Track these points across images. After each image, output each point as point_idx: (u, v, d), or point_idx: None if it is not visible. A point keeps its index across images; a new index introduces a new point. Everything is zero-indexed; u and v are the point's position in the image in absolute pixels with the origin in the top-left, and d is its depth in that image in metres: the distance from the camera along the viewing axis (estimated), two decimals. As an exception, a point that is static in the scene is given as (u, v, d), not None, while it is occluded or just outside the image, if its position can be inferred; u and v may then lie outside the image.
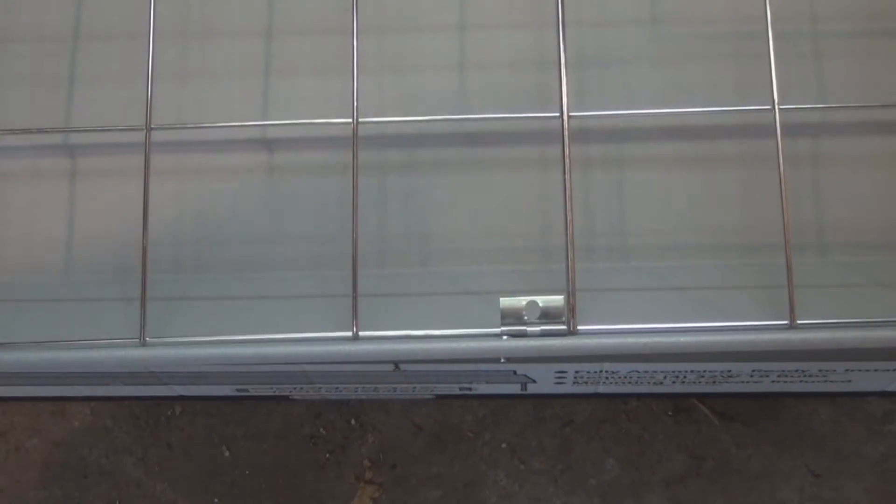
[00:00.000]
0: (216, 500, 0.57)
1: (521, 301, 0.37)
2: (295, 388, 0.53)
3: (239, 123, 0.44)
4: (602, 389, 0.52)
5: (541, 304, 0.36)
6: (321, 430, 0.57)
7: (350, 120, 0.39)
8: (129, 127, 0.41)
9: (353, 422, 0.57)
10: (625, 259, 0.42)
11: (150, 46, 0.40)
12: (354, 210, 0.37)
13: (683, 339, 0.36)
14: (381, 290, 0.40)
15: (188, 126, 0.43)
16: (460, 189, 0.43)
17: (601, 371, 0.46)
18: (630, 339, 0.36)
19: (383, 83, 0.44)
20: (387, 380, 0.50)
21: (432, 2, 0.45)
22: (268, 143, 0.44)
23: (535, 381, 0.50)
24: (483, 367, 0.45)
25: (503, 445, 0.56)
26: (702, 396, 0.56)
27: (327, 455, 0.57)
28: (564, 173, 0.37)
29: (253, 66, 0.45)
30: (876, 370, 0.46)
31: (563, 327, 0.36)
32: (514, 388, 0.53)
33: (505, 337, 0.37)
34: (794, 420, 0.55)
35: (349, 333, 0.37)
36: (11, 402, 0.59)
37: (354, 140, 0.38)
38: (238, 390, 0.54)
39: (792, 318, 0.36)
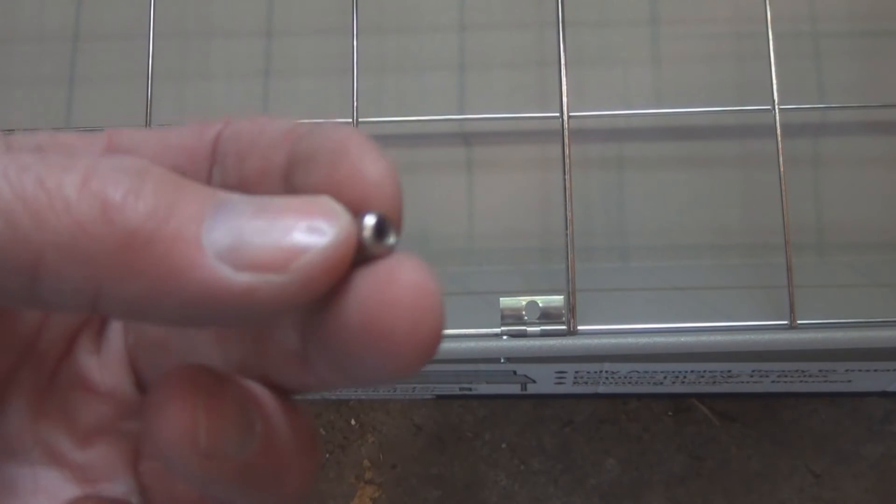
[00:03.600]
0: (216, 500, 0.57)
1: (521, 301, 0.37)
2: (295, 388, 0.53)
3: (239, 123, 0.44)
4: (602, 389, 0.52)
5: (541, 304, 0.36)
6: (321, 430, 0.57)
7: (350, 120, 0.39)
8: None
9: (353, 422, 0.57)
10: (625, 259, 0.42)
11: (150, 46, 0.40)
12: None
13: (683, 339, 0.36)
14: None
15: (188, 126, 0.43)
16: (460, 189, 0.43)
17: (601, 371, 0.46)
18: (630, 339, 0.36)
19: (383, 83, 0.44)
20: (387, 380, 0.50)
21: (432, 2, 0.45)
22: (268, 143, 0.44)
23: (535, 381, 0.50)
24: (483, 367, 0.45)
25: (503, 445, 0.56)
26: (702, 396, 0.56)
27: (327, 455, 0.57)
28: (564, 173, 0.37)
29: (253, 66, 0.45)
30: (876, 370, 0.46)
31: (563, 327, 0.36)
32: (514, 388, 0.53)
33: (505, 337, 0.37)
34: (794, 420, 0.55)
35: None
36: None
37: (354, 140, 0.38)
38: (238, 390, 0.53)
39: (792, 318, 0.36)
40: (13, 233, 0.12)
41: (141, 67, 0.40)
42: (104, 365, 0.17)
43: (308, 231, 0.13)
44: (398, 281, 0.13)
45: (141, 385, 0.17)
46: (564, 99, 0.38)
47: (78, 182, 0.13)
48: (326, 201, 0.14)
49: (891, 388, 0.51)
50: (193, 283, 0.13)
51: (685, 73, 0.44)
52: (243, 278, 0.13)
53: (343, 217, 0.14)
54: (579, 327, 0.36)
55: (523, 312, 0.37)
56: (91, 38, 0.46)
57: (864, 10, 0.44)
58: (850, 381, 0.49)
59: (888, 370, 0.46)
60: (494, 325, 0.37)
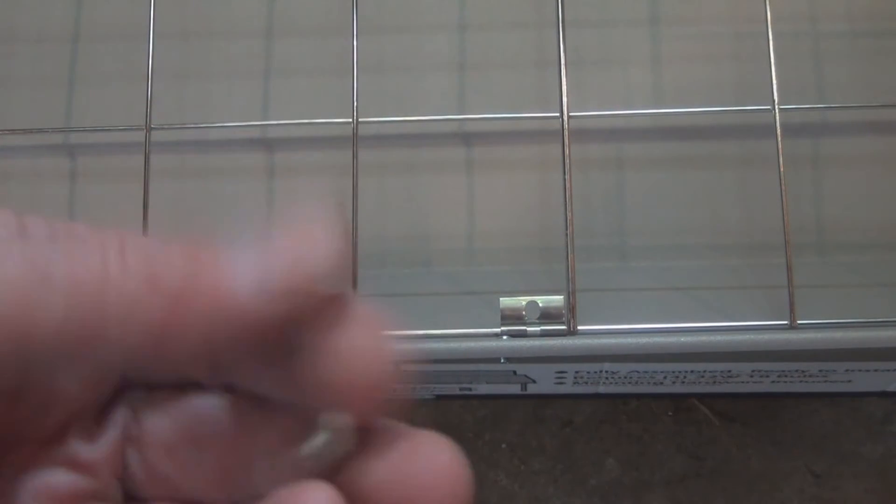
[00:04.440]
0: (216, 500, 0.57)
1: (521, 301, 0.37)
2: (295, 388, 0.53)
3: (239, 123, 0.44)
4: (602, 389, 0.52)
5: (541, 304, 0.36)
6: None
7: (350, 120, 0.39)
8: (129, 127, 0.41)
9: (353, 422, 0.57)
10: (625, 259, 0.42)
11: (150, 46, 0.40)
12: (354, 210, 0.37)
13: (683, 339, 0.36)
14: (381, 290, 0.40)
15: (188, 126, 0.43)
16: (460, 189, 0.43)
17: (601, 371, 0.46)
18: (630, 339, 0.36)
19: (383, 83, 0.44)
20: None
21: (432, 2, 0.45)
22: (268, 143, 0.44)
23: (535, 382, 0.50)
24: (483, 367, 0.45)
25: (503, 445, 0.56)
26: (702, 396, 0.56)
27: (327, 455, 0.57)
28: (564, 173, 0.37)
29: (253, 66, 0.45)
30: (876, 370, 0.46)
31: (563, 327, 0.36)
32: (514, 388, 0.53)
33: (505, 337, 0.37)
34: (794, 420, 0.55)
35: (349, 333, 0.37)
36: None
37: (354, 140, 0.38)
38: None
39: (792, 319, 0.36)
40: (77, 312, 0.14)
41: (141, 67, 0.40)
42: (94, 451, 0.17)
43: (305, 253, 0.15)
44: (435, 468, 0.15)
45: (124, 480, 0.18)
46: (564, 99, 0.38)
47: (119, 262, 0.15)
48: (316, 227, 0.16)
49: (891, 388, 0.51)
50: (240, 305, 0.15)
51: (685, 73, 0.44)
52: (271, 285, 0.15)
53: (334, 231, 0.16)
54: (579, 327, 0.36)
55: (523, 312, 0.37)
56: (91, 38, 0.46)
57: (864, 10, 0.44)
58: (850, 381, 0.49)
59: (888, 370, 0.46)
60: (494, 325, 0.37)
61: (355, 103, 0.39)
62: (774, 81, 0.38)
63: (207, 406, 0.17)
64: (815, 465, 0.54)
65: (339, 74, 0.44)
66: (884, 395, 0.54)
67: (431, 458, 0.15)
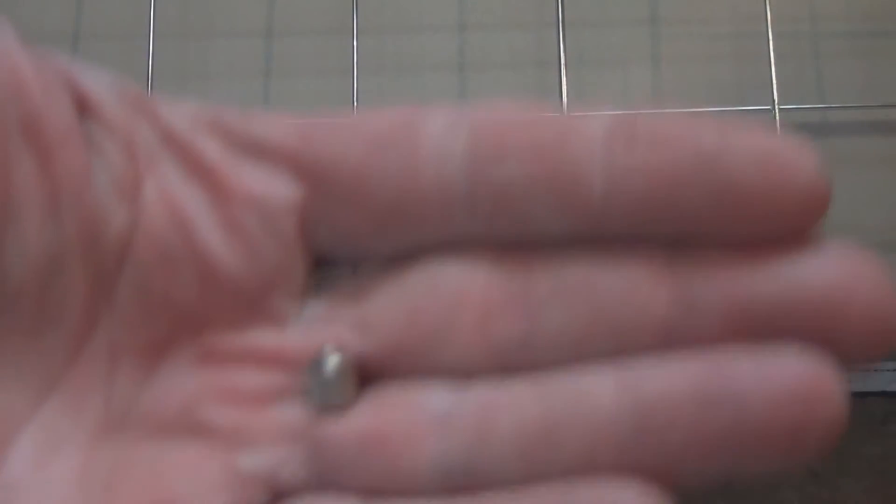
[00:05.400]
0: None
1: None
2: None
3: (239, 123, 0.44)
4: (602, 389, 0.52)
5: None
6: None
7: (350, 120, 0.39)
8: (129, 127, 0.41)
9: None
10: (625, 259, 0.42)
11: (150, 46, 0.40)
12: (354, 210, 0.37)
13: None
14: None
15: (188, 126, 0.43)
16: (460, 189, 0.43)
17: (601, 371, 0.46)
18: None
19: (383, 83, 0.44)
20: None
21: (432, 2, 0.45)
22: (268, 143, 0.44)
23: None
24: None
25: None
26: (702, 396, 0.56)
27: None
28: (564, 173, 0.37)
29: (253, 66, 0.45)
30: (876, 370, 0.46)
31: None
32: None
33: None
34: (794, 420, 0.55)
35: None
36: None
37: (354, 140, 0.38)
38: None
39: (792, 318, 0.36)
40: None
41: (141, 67, 0.40)
42: (285, 340, 0.15)
43: None
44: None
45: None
46: (564, 99, 0.38)
47: None
48: None
49: (891, 388, 0.51)
50: None
51: (685, 73, 0.44)
52: None
53: None
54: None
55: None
56: (91, 38, 0.46)
57: (864, 10, 0.44)
58: (850, 381, 0.49)
59: (888, 370, 0.46)
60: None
61: (355, 103, 0.39)
62: (774, 81, 0.38)
63: (456, 271, 0.15)
64: (815, 465, 0.54)
65: (339, 74, 0.44)
66: (884, 395, 0.54)
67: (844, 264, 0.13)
